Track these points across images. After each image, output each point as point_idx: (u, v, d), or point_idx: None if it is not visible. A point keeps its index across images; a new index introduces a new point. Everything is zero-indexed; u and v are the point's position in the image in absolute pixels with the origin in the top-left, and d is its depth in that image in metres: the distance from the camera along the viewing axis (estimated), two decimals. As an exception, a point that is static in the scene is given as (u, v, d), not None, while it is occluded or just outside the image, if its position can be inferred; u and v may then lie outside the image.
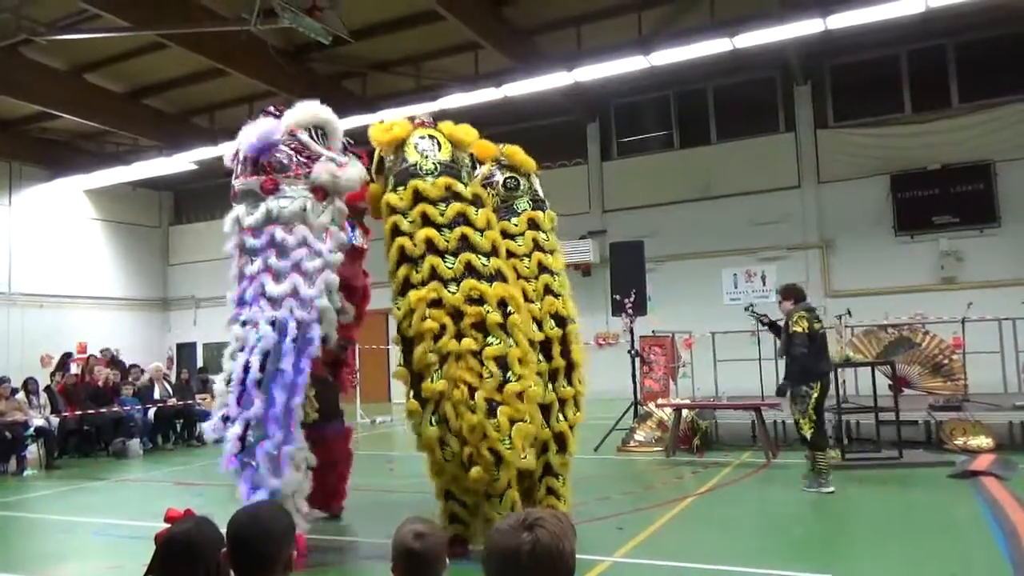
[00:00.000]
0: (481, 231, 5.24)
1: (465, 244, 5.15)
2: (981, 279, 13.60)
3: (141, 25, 11.78)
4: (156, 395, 12.89)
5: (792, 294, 7.33)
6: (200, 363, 19.50)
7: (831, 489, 6.87)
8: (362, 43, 13.06)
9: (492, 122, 16.13)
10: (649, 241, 12.49)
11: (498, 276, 5.18)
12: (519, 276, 5.74)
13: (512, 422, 4.83)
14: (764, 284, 15.50)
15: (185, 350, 21.43)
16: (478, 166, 5.97)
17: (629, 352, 10.71)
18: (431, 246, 5.12)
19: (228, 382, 5.05)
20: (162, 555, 1.92)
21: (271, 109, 5.70)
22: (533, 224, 6.03)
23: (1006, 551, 4.86)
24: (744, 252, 15.64)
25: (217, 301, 20.40)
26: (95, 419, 11.82)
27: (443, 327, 4.97)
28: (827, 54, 14.96)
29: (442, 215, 5.18)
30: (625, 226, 16.01)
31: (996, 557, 4.79)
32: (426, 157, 5.37)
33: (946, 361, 9.74)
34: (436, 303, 5.01)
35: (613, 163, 17.38)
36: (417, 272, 5.11)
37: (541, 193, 6.31)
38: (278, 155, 5.33)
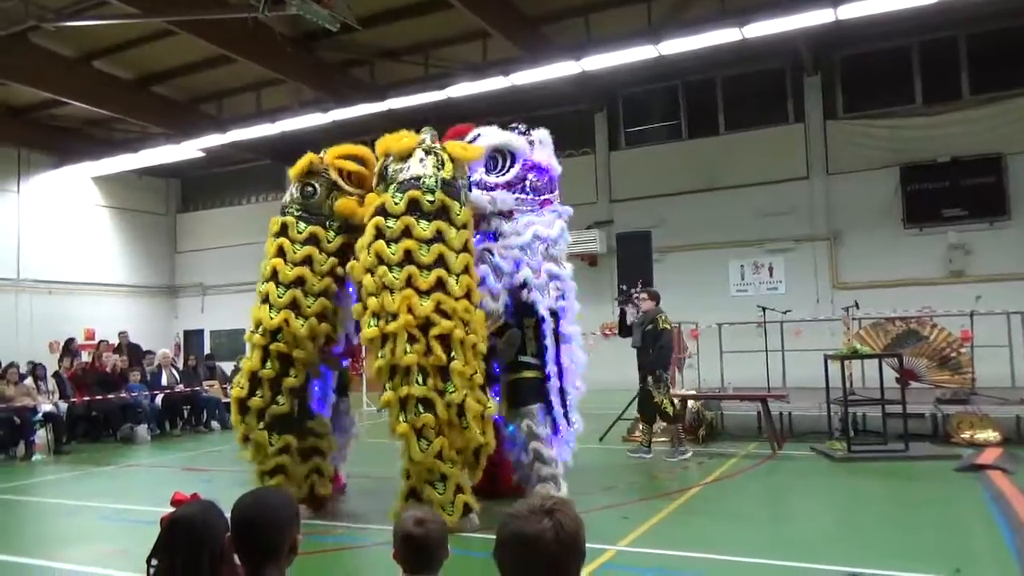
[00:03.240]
0: (285, 259, 6.26)
1: (273, 275, 6.25)
2: (990, 272, 13.48)
3: (149, 12, 11.78)
4: (164, 381, 12.97)
5: (655, 297, 8.84)
6: (207, 350, 19.58)
7: (689, 453, 8.49)
8: (370, 31, 13.00)
9: (499, 111, 16.16)
10: (656, 231, 12.44)
11: (265, 300, 6.21)
12: (381, 262, 5.63)
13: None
14: (771, 275, 15.44)
15: (192, 337, 21.52)
16: (316, 187, 6.44)
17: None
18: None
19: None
20: (166, 537, 1.92)
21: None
22: (414, 206, 5.68)
23: (1012, 544, 4.85)
24: (752, 243, 15.56)
25: (224, 288, 20.50)
26: (103, 405, 11.91)
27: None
28: (837, 45, 14.82)
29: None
30: (632, 216, 15.93)
31: (1002, 550, 4.78)
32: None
33: (954, 354, 9.67)
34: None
35: (621, 153, 17.30)
36: None
37: (438, 170, 5.78)
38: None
